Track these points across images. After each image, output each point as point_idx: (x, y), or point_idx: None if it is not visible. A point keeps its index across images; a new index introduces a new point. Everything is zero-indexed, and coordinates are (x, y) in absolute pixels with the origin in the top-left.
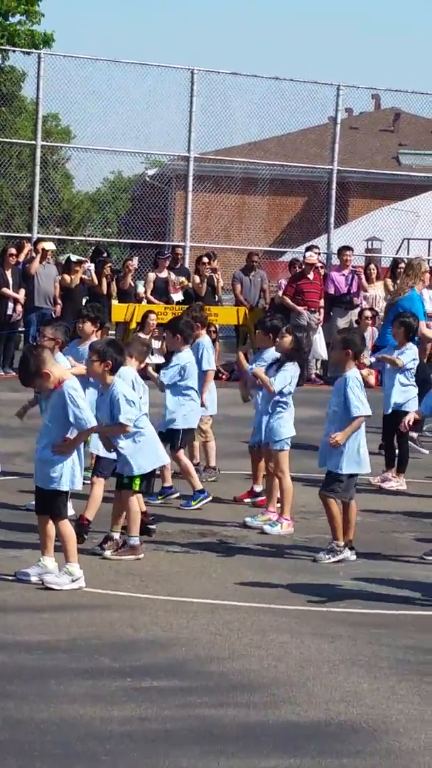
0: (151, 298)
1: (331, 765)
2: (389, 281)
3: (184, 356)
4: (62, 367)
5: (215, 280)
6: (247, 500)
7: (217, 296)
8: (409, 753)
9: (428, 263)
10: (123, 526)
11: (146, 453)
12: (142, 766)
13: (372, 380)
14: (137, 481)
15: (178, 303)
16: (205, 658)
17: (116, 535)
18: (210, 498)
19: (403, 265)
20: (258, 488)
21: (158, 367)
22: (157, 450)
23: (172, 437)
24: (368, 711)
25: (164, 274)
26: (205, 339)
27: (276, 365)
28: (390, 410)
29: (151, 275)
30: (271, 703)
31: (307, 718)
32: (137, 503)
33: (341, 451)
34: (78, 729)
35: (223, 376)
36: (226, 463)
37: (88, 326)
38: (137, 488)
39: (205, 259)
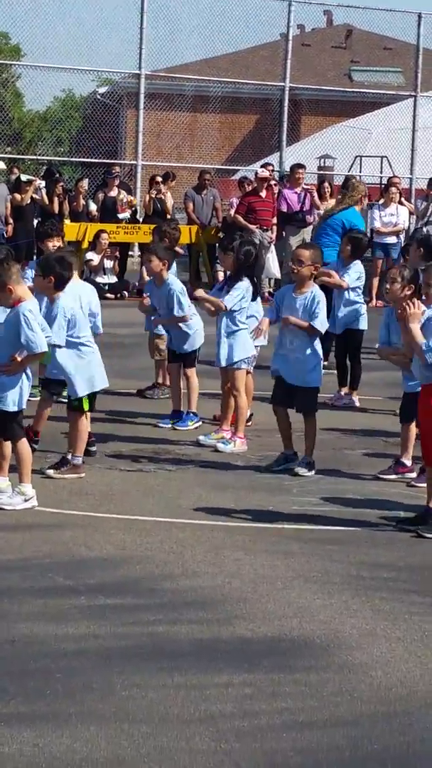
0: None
1: (284, 680)
2: None
3: (174, 281)
4: (25, 287)
5: (163, 199)
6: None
7: (168, 215)
8: (361, 667)
9: (380, 180)
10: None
11: (92, 372)
12: (95, 683)
13: None
14: (86, 401)
15: (125, 222)
16: (159, 575)
17: (78, 460)
18: (200, 423)
19: (328, 185)
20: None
21: (111, 286)
22: (102, 371)
23: (186, 357)
24: (321, 626)
25: (113, 193)
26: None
27: (226, 285)
28: (341, 330)
29: (100, 195)
30: (224, 620)
31: (261, 634)
32: (85, 423)
33: (316, 365)
34: (31, 647)
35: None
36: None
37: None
38: (86, 407)
39: (159, 179)
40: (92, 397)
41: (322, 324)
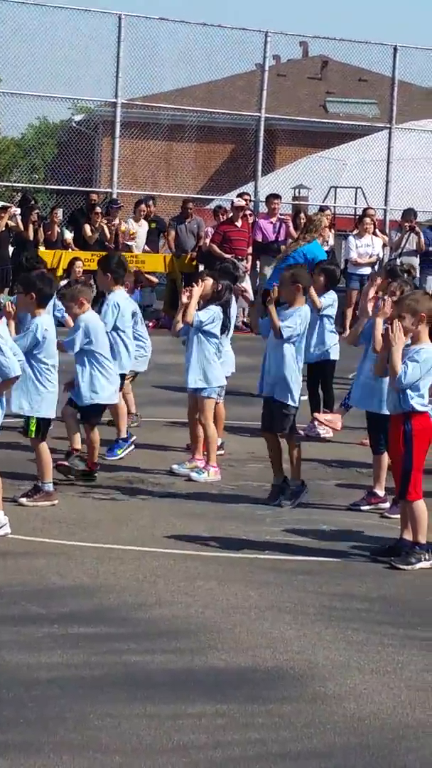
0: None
1: (257, 711)
2: None
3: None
4: None
5: (110, 228)
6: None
7: (109, 245)
8: (334, 698)
9: (355, 211)
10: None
11: (45, 399)
12: (68, 713)
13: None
14: (32, 427)
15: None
16: (132, 604)
17: (49, 486)
18: (133, 446)
19: (303, 215)
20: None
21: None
22: (54, 402)
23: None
24: (294, 657)
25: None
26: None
27: (200, 306)
28: (314, 359)
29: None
30: (197, 650)
31: (234, 664)
32: (46, 449)
33: (287, 380)
34: (4, 675)
35: (150, 324)
36: (151, 410)
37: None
38: (32, 435)
39: (98, 209)
40: (42, 423)
41: (285, 328)
